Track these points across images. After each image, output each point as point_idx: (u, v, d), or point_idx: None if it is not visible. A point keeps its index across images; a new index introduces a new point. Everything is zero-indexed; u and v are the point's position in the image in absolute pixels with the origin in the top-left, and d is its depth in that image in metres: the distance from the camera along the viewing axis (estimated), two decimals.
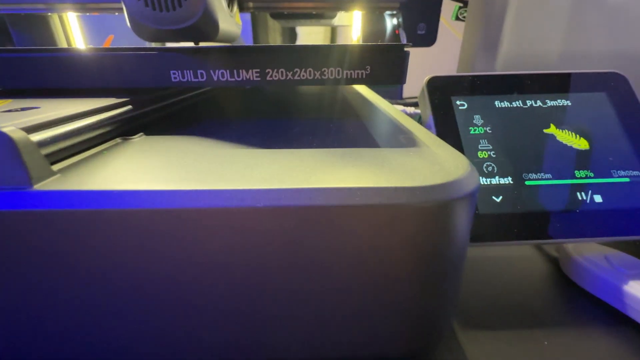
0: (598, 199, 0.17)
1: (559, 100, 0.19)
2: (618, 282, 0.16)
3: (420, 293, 0.11)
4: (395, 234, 0.10)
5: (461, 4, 0.50)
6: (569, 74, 0.20)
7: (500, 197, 0.17)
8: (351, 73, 0.15)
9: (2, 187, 0.10)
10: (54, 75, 0.16)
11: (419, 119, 0.38)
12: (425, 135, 0.14)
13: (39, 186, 0.10)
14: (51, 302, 0.11)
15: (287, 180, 0.10)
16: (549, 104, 0.19)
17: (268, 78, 0.16)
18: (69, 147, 0.12)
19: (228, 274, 0.10)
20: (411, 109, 0.35)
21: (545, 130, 0.18)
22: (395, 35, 0.42)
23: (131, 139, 0.15)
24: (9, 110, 0.13)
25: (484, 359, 0.14)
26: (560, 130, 0.18)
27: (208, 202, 0.10)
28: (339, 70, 0.15)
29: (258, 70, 0.16)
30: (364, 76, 0.15)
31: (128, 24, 0.28)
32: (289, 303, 0.11)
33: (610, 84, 0.19)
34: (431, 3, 0.37)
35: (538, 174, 0.17)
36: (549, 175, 0.17)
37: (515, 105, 0.19)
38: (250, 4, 0.37)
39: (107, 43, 0.70)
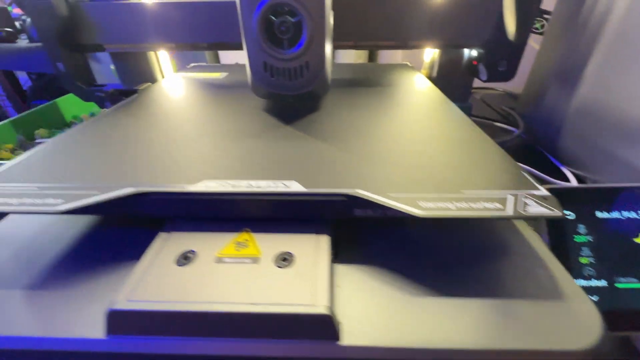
0: None
1: None
2: None
3: None
4: None
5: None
6: None
7: (597, 297, 0.23)
8: None
9: None
10: None
11: None
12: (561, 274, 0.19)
13: None
14: None
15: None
16: None
17: None
18: None
19: None
20: None
21: (635, 239, 0.23)
22: (472, 65, 0.43)
23: None
24: None
25: None
26: None
27: None
28: None
29: None
30: None
31: (249, 82, 0.32)
32: None
33: None
34: (516, 44, 0.38)
35: (626, 277, 0.23)
36: (634, 280, 0.23)
37: (613, 217, 0.24)
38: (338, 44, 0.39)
39: None
